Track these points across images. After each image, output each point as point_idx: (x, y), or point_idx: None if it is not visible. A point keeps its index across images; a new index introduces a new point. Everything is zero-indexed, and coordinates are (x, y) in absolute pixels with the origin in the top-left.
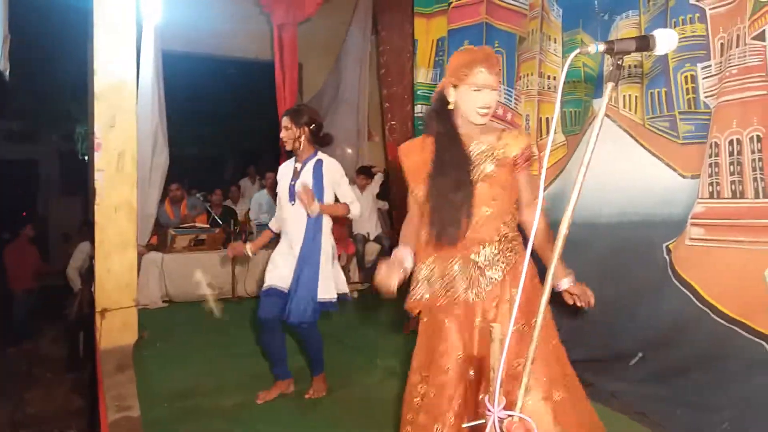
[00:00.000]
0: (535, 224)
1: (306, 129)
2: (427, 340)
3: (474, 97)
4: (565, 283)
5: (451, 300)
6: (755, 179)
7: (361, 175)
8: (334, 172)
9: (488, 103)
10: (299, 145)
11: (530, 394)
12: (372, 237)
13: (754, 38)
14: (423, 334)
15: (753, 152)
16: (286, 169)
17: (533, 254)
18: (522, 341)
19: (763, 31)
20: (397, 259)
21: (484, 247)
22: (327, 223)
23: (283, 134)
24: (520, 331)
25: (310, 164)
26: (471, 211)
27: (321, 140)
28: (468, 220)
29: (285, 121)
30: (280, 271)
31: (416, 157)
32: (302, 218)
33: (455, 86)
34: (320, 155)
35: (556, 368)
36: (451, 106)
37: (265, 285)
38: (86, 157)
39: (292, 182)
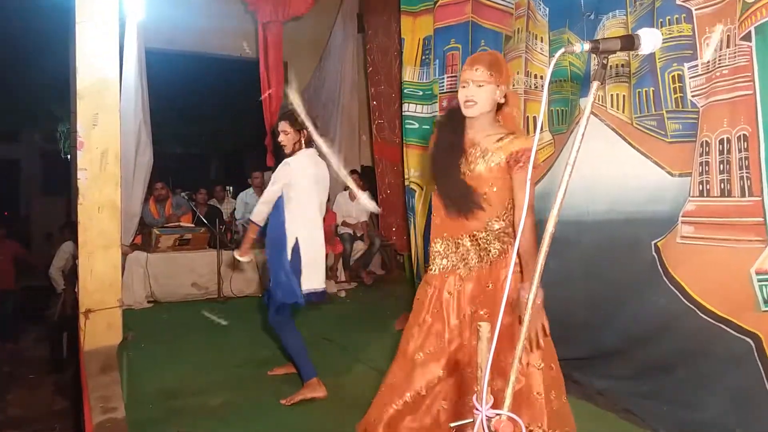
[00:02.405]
0: (517, 242)
1: (305, 133)
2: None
3: (461, 92)
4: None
5: (466, 269)
6: (742, 177)
7: (354, 174)
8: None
9: (469, 97)
10: (299, 146)
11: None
12: (359, 235)
13: (742, 39)
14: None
15: (740, 151)
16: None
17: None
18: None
19: (750, 32)
20: None
21: (480, 232)
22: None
23: (282, 138)
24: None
25: None
26: (471, 194)
27: (309, 141)
28: (468, 201)
29: (284, 126)
30: None
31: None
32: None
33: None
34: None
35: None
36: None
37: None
38: (69, 156)
39: None
